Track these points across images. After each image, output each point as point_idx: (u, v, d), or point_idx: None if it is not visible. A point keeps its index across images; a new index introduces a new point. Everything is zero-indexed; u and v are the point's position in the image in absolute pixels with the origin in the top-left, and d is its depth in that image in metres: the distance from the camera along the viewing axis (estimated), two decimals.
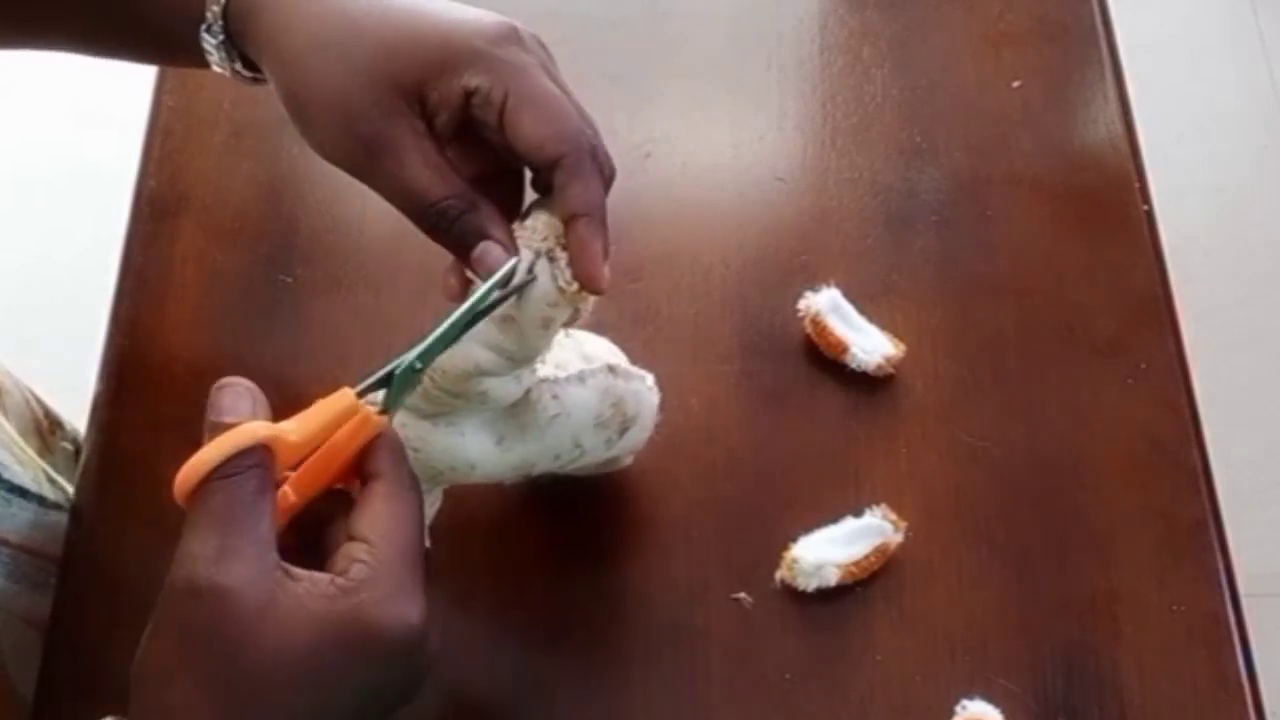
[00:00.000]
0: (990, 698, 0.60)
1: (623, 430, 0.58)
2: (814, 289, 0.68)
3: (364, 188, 0.51)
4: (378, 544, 0.44)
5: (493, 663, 0.62)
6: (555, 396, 0.55)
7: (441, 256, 0.51)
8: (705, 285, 0.71)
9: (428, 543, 0.49)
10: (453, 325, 0.48)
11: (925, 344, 0.69)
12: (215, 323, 0.70)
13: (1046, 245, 0.72)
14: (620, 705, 0.61)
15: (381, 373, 0.47)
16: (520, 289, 0.49)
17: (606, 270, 0.49)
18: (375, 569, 0.44)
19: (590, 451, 0.57)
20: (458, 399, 0.51)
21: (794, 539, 0.63)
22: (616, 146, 0.73)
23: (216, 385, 0.45)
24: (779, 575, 0.62)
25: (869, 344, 0.67)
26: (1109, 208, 0.73)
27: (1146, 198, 0.74)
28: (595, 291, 0.49)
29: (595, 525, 0.65)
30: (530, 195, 0.52)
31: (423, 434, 0.52)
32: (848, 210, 0.73)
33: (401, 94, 0.49)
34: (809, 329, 0.68)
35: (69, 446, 0.79)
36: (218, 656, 0.41)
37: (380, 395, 0.47)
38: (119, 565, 0.64)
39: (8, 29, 0.58)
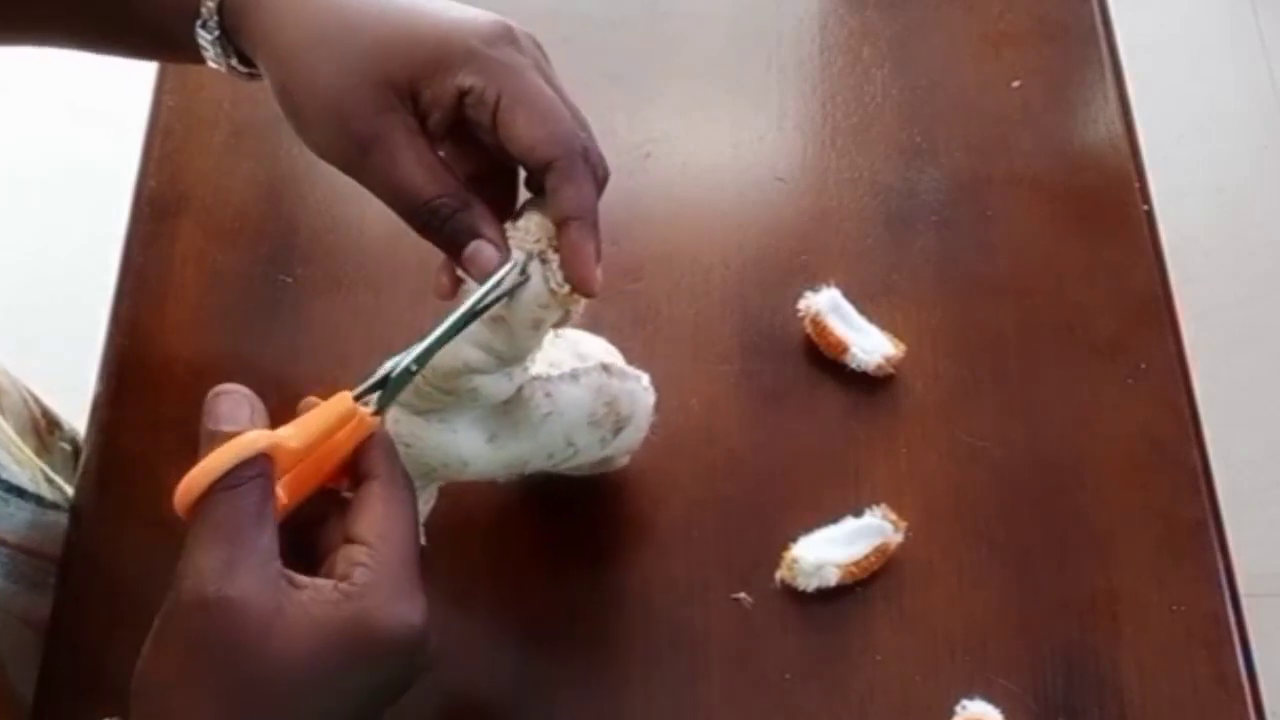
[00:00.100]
0: (990, 698, 0.60)
1: (617, 430, 0.58)
2: (814, 289, 0.68)
3: (364, 188, 0.51)
4: (378, 546, 0.44)
5: (492, 663, 0.62)
6: (548, 394, 0.55)
7: (441, 256, 0.51)
8: (705, 285, 0.71)
9: (422, 540, 0.49)
10: (450, 328, 0.48)
11: (925, 344, 0.69)
12: (215, 323, 0.70)
13: (1046, 245, 0.72)
14: (620, 705, 0.61)
15: (377, 376, 0.47)
16: (512, 290, 0.49)
17: (599, 273, 0.49)
18: (377, 572, 0.44)
19: (584, 450, 0.57)
20: (449, 395, 0.51)
21: (794, 539, 0.63)
22: (616, 146, 0.74)
23: (213, 392, 0.45)
24: (779, 575, 0.62)
25: (869, 344, 0.67)
26: (1109, 208, 0.73)
27: (1146, 198, 0.74)
28: (587, 294, 0.49)
29: (595, 525, 0.65)
30: (525, 194, 0.52)
31: (415, 430, 0.52)
32: (848, 210, 0.73)
33: (395, 91, 0.49)
34: (809, 329, 0.68)
35: (67, 446, 0.79)
36: (227, 668, 0.41)
37: (374, 396, 0.47)
38: (119, 565, 0.64)
39: (3, 25, 0.58)
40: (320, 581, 0.43)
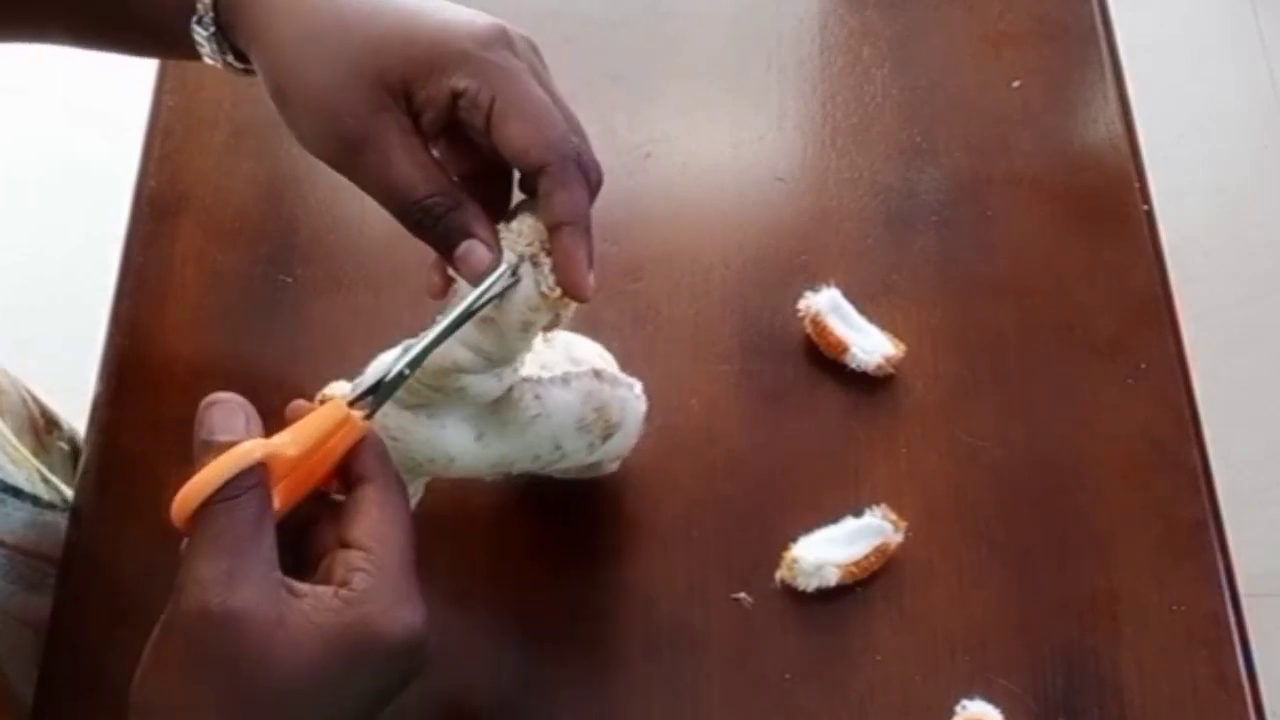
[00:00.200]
0: (990, 698, 0.60)
1: (606, 436, 0.57)
2: (814, 289, 0.68)
3: (358, 186, 0.51)
4: (376, 551, 0.44)
5: (492, 662, 0.62)
6: (537, 396, 0.55)
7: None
8: (705, 285, 0.71)
9: None
10: (442, 332, 0.48)
11: (925, 344, 0.69)
12: (215, 323, 0.70)
13: (1046, 245, 0.72)
14: (620, 705, 0.61)
15: (370, 381, 0.47)
16: (502, 292, 0.48)
17: (591, 278, 0.48)
18: (376, 577, 0.44)
19: (571, 455, 0.57)
20: (438, 392, 0.51)
21: (794, 539, 0.63)
22: (616, 146, 0.74)
23: (205, 402, 0.45)
24: (779, 575, 0.62)
25: (869, 344, 0.67)
26: (1109, 208, 0.73)
27: (1146, 198, 0.74)
28: (579, 299, 0.49)
29: (595, 525, 0.65)
30: (519, 195, 0.52)
31: (404, 424, 0.52)
32: (848, 210, 0.73)
33: (388, 90, 0.49)
34: (809, 329, 0.68)
35: (65, 446, 0.79)
36: (230, 679, 0.41)
37: (365, 400, 0.47)
38: (119, 565, 0.64)
39: (1, 23, 0.58)
40: (320, 589, 0.43)
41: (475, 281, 0.48)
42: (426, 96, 0.48)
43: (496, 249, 0.49)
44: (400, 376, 0.47)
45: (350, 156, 0.49)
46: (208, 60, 0.55)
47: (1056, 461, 0.66)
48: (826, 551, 0.62)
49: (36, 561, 0.65)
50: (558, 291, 0.48)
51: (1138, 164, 0.75)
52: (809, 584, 0.62)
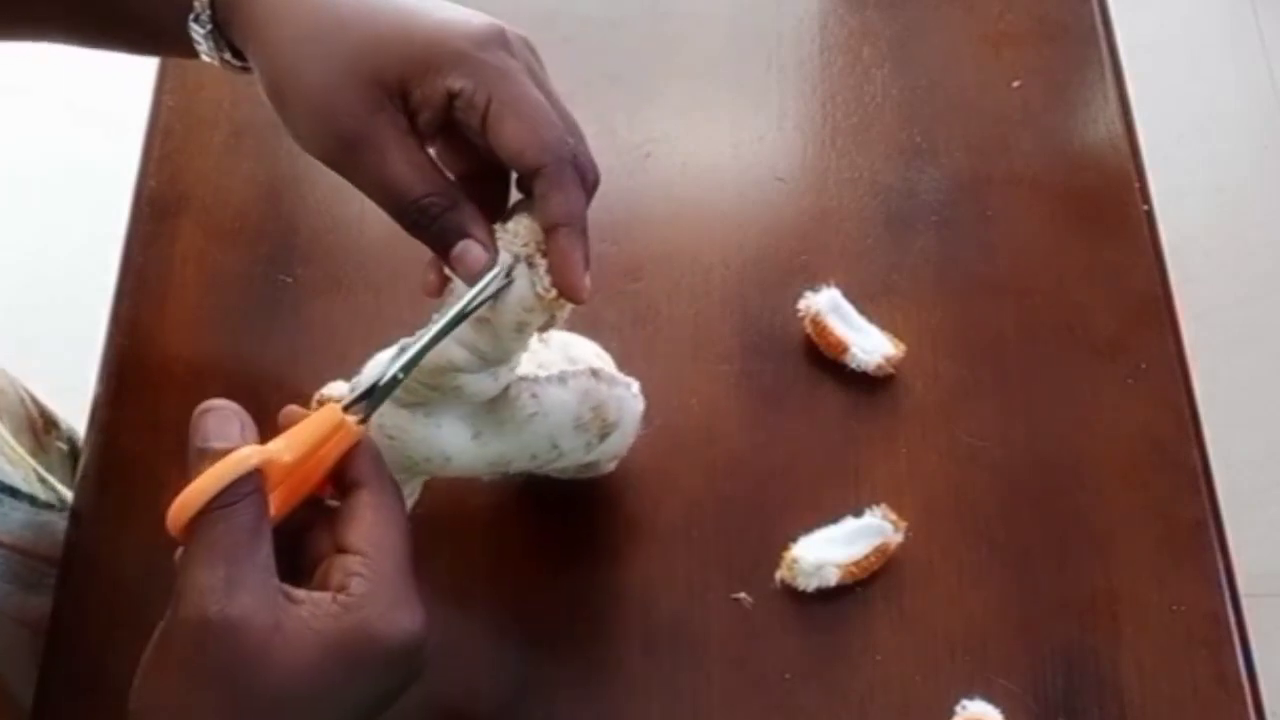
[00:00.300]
0: (990, 698, 0.60)
1: (603, 435, 0.57)
2: (814, 289, 0.68)
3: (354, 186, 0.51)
4: (373, 555, 0.44)
5: (492, 662, 0.62)
6: (534, 395, 0.55)
7: None
8: (705, 285, 0.71)
9: None
10: (436, 334, 0.48)
11: (925, 344, 0.69)
12: (215, 323, 0.70)
13: (1046, 245, 0.72)
14: (620, 705, 0.61)
15: (364, 386, 0.47)
16: (497, 292, 0.48)
17: (587, 280, 0.48)
18: (374, 581, 0.44)
19: (568, 454, 0.57)
20: (434, 391, 0.51)
21: (794, 539, 0.63)
22: (616, 146, 0.74)
23: (199, 409, 0.44)
24: (779, 575, 0.62)
25: (869, 344, 0.67)
26: (1109, 208, 0.73)
27: (1146, 198, 0.74)
28: (575, 301, 0.49)
29: (595, 525, 0.65)
30: (516, 194, 0.52)
31: (400, 423, 0.52)
32: (848, 210, 0.73)
33: (384, 90, 0.49)
34: (809, 329, 0.68)
35: (63, 446, 0.79)
36: (230, 687, 0.41)
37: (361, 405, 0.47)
38: (119, 565, 0.64)
39: (1, 21, 0.58)
40: (318, 595, 0.43)
41: (471, 281, 0.48)
42: (422, 96, 0.48)
43: (493, 249, 0.49)
44: (394, 381, 0.47)
45: (347, 156, 0.49)
46: (205, 58, 0.55)
47: (1056, 461, 0.66)
48: (826, 551, 0.62)
49: (34, 561, 0.65)
50: (553, 293, 0.48)
51: (1138, 164, 0.75)
52: (809, 584, 0.62)
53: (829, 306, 0.68)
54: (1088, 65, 0.78)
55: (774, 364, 0.68)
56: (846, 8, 0.80)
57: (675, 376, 0.67)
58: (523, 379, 0.54)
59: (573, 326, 0.57)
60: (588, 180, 0.49)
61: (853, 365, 0.67)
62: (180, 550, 0.43)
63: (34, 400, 0.79)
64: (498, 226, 0.50)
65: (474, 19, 0.49)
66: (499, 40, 0.49)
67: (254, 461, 0.43)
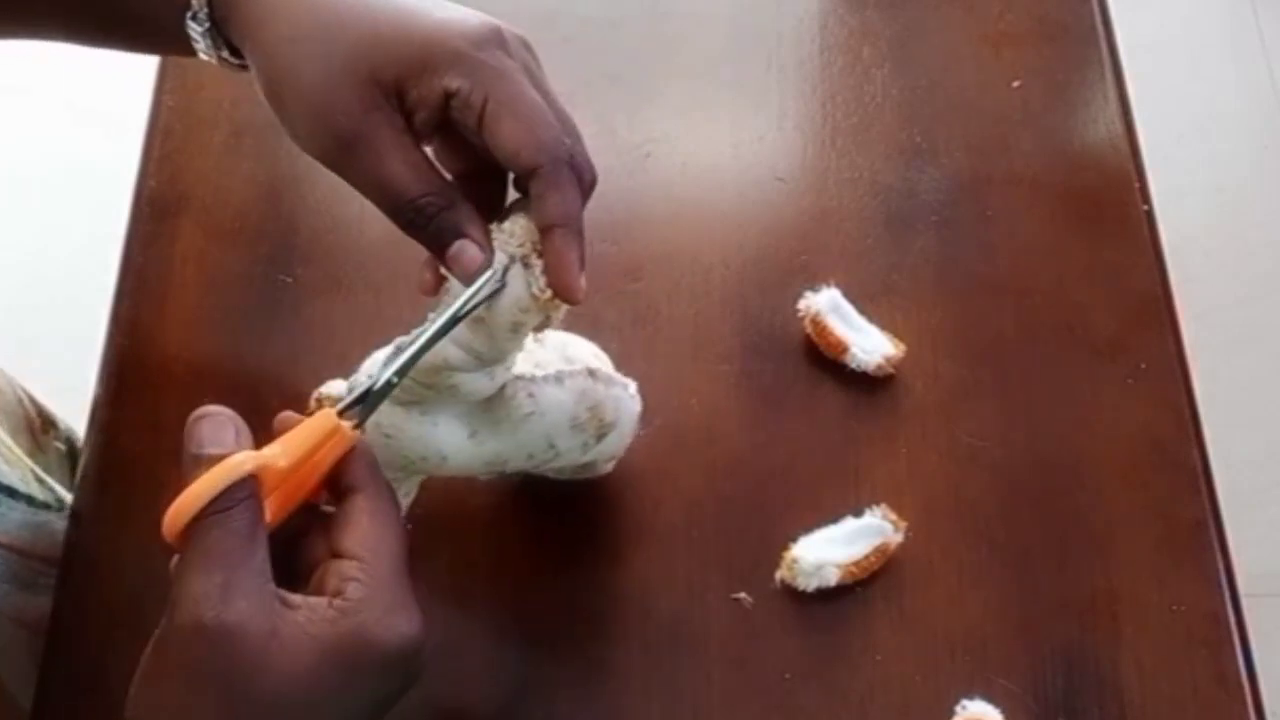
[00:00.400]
0: (990, 698, 0.60)
1: (600, 435, 0.57)
2: (814, 289, 0.68)
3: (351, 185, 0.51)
4: (369, 560, 0.44)
5: (492, 663, 0.62)
6: (531, 395, 0.55)
7: None
8: (705, 285, 0.71)
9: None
10: (432, 336, 0.48)
11: (925, 344, 0.69)
12: (215, 323, 0.70)
13: (1046, 245, 0.72)
14: (620, 705, 0.61)
15: (360, 390, 0.47)
16: (494, 292, 0.48)
17: (582, 281, 0.48)
18: (370, 586, 0.43)
19: (565, 453, 0.57)
20: (429, 390, 0.51)
21: (794, 539, 0.63)
22: (616, 146, 0.74)
23: (194, 416, 0.44)
24: (779, 575, 0.62)
25: (869, 344, 0.67)
26: (1109, 208, 0.73)
27: (1146, 198, 0.74)
28: (570, 302, 0.49)
29: (595, 525, 0.65)
30: (514, 193, 0.52)
31: (396, 421, 0.52)
32: (848, 210, 0.73)
33: (381, 89, 0.48)
34: (809, 329, 0.68)
35: (61, 446, 0.79)
36: (226, 694, 0.41)
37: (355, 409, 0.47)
38: (119, 565, 0.64)
39: None
40: (314, 600, 0.43)
41: (467, 281, 0.48)
42: (419, 96, 0.48)
43: (488, 249, 0.49)
44: (389, 385, 0.47)
45: (343, 155, 0.49)
46: (203, 56, 0.55)
47: (1056, 461, 0.66)
48: (826, 551, 0.62)
49: (31, 561, 0.65)
50: (548, 293, 0.48)
51: (1138, 164, 0.75)
52: (809, 584, 0.62)
53: (829, 306, 0.68)
54: (1088, 65, 0.78)
55: (774, 364, 0.68)
56: (846, 8, 0.80)
57: (675, 376, 0.67)
58: (519, 378, 0.54)
59: (572, 326, 0.58)
60: (584, 181, 0.49)
61: (853, 365, 0.67)
62: (176, 557, 0.43)
63: (32, 400, 0.79)
64: (494, 226, 0.50)
65: (471, 18, 0.49)
66: (496, 40, 0.49)
67: (248, 467, 0.43)
